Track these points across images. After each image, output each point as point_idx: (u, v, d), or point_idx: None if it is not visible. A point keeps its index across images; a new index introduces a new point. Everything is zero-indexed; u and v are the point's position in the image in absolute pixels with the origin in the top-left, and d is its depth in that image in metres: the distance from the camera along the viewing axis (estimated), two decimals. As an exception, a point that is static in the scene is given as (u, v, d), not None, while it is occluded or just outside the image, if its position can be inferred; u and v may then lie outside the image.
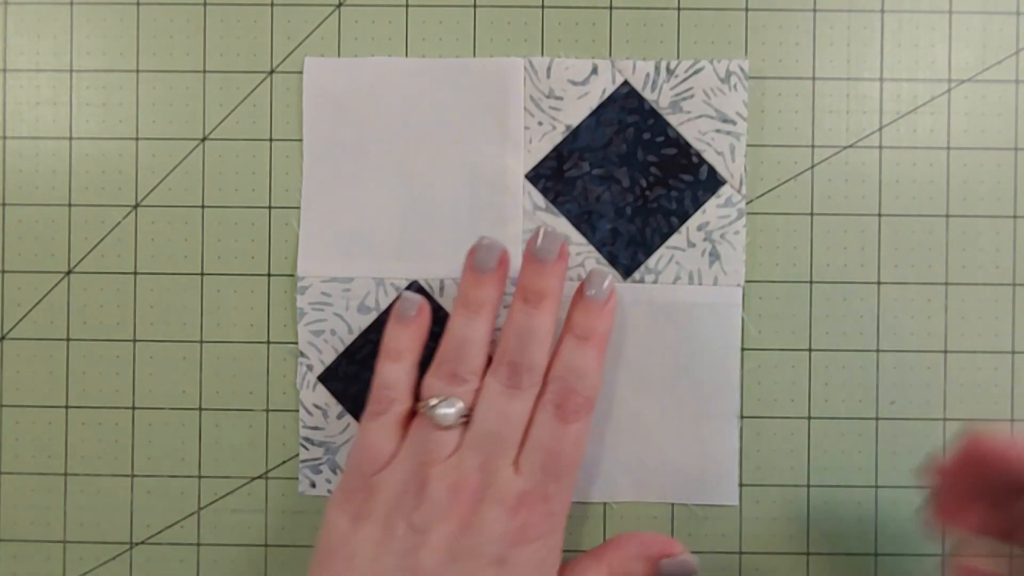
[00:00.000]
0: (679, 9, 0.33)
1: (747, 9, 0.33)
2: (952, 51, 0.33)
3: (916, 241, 0.33)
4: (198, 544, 0.33)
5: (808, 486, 0.33)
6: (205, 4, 0.33)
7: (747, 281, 0.32)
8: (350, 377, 0.33)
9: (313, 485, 0.33)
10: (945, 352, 0.33)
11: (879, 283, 0.33)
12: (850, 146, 0.33)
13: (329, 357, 0.33)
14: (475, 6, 0.33)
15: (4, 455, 0.33)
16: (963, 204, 0.33)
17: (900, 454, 0.32)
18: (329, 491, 0.33)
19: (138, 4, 0.33)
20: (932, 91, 0.33)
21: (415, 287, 0.32)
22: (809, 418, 0.33)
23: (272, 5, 0.33)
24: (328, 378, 0.33)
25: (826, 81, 0.33)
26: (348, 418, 0.33)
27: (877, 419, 0.32)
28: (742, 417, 0.32)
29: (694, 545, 0.32)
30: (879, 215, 0.33)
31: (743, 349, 0.33)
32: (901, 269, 0.33)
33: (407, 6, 0.33)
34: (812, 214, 0.33)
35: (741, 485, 0.32)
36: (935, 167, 0.33)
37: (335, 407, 0.33)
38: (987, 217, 0.33)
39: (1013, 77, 0.33)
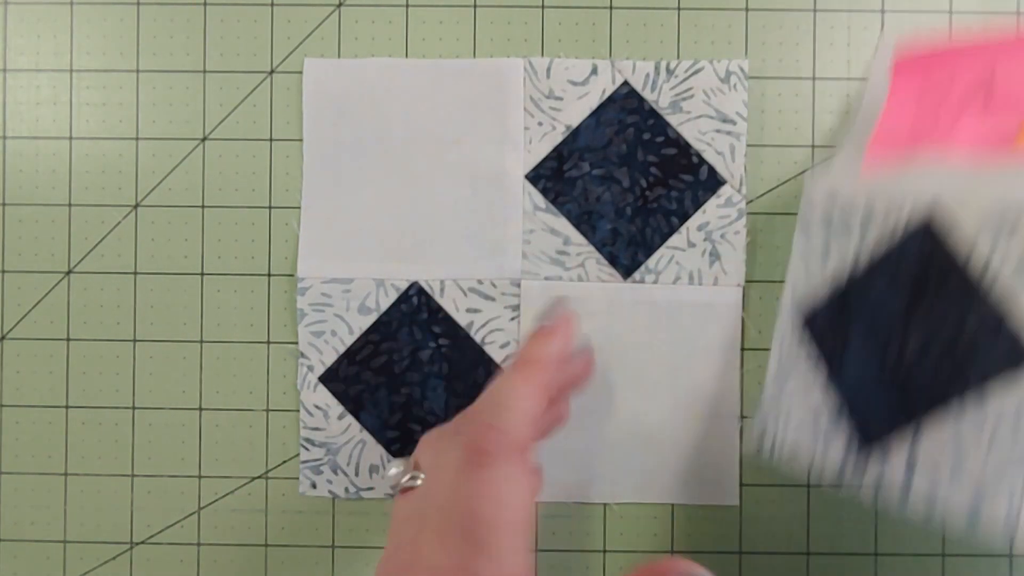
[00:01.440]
0: (679, 9, 0.33)
1: (747, 9, 0.33)
2: (952, 51, 0.33)
3: (916, 241, 0.33)
4: (198, 544, 0.33)
5: (808, 486, 0.33)
6: (205, 4, 0.33)
7: (747, 281, 0.32)
8: (351, 378, 0.33)
9: (314, 486, 0.33)
10: (945, 352, 0.33)
11: (879, 283, 0.33)
12: (850, 146, 0.33)
13: (330, 358, 0.33)
14: (475, 6, 0.33)
15: (4, 455, 0.33)
16: (963, 204, 0.33)
17: (900, 454, 0.32)
18: (330, 491, 0.33)
19: (138, 4, 0.33)
20: (932, 91, 0.33)
21: (415, 287, 0.32)
22: (809, 418, 0.33)
23: (272, 5, 0.33)
24: (329, 379, 0.33)
25: (826, 81, 0.33)
26: (349, 419, 0.33)
27: (877, 419, 0.32)
28: (742, 417, 0.32)
29: (694, 545, 0.32)
30: (879, 215, 0.33)
31: (743, 349, 0.33)
32: (901, 269, 0.33)
33: (407, 6, 0.33)
34: (812, 214, 0.33)
35: (741, 485, 0.32)
36: (935, 167, 0.33)
37: (336, 407, 0.33)
38: (987, 217, 0.33)
39: (1013, 77, 0.33)
